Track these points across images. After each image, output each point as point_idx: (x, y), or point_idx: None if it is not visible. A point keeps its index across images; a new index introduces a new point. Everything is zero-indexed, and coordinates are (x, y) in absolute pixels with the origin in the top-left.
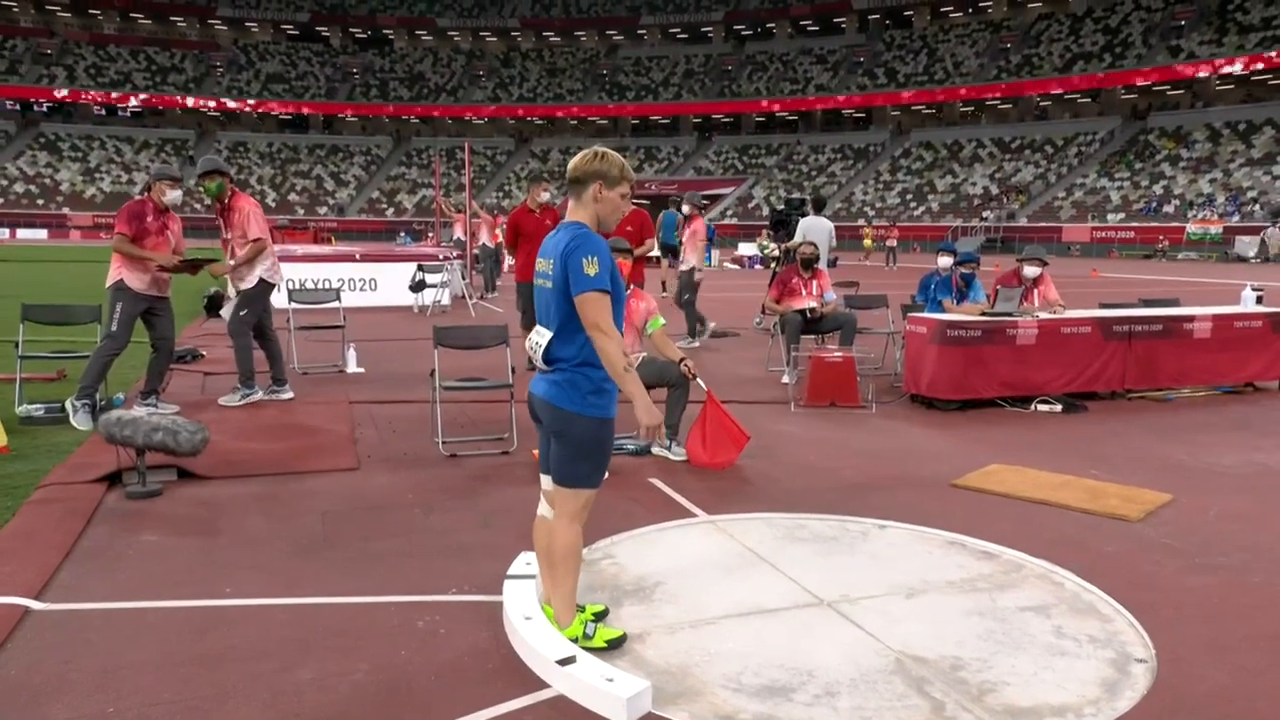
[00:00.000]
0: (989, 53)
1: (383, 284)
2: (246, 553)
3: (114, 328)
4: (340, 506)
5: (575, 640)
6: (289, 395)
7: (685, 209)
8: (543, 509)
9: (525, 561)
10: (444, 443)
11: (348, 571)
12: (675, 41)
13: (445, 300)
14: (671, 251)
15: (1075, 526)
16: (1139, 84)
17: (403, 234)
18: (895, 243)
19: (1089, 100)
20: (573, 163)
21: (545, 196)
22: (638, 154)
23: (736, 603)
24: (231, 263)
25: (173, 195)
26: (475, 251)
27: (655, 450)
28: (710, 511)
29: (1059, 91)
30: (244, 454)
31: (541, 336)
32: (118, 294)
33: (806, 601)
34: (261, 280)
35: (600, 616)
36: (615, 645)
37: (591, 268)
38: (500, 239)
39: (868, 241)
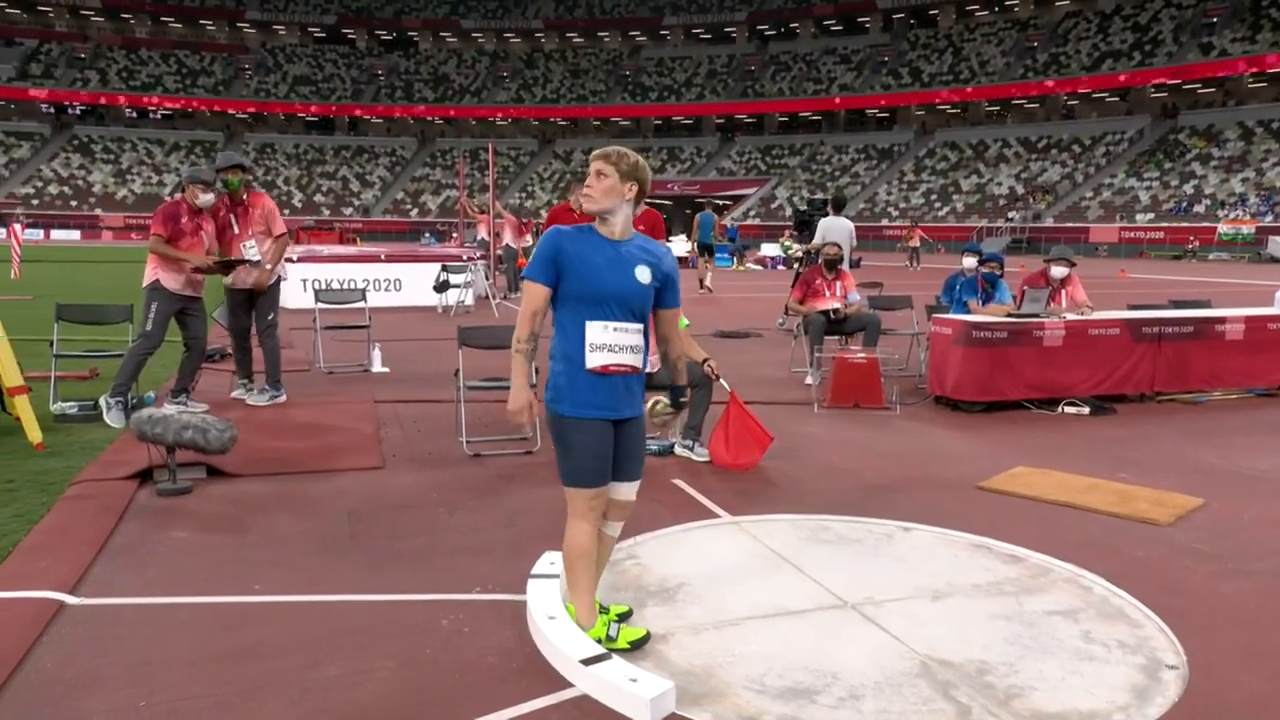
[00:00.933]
0: (1015, 51)
1: (407, 284)
2: (274, 550)
3: (148, 327)
4: (366, 505)
5: (599, 641)
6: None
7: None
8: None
9: (549, 561)
10: (468, 442)
11: (373, 569)
12: (698, 42)
13: (469, 301)
14: (708, 250)
15: (1104, 530)
16: (1169, 82)
17: (427, 234)
18: (919, 243)
19: (1117, 99)
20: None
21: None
22: (660, 154)
23: (760, 604)
24: (268, 267)
25: (205, 198)
26: (499, 252)
27: (678, 451)
28: (734, 513)
29: (1087, 90)
30: (271, 452)
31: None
32: (153, 294)
33: (830, 603)
34: (279, 278)
35: (624, 617)
36: (638, 646)
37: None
38: (524, 239)
39: (914, 243)
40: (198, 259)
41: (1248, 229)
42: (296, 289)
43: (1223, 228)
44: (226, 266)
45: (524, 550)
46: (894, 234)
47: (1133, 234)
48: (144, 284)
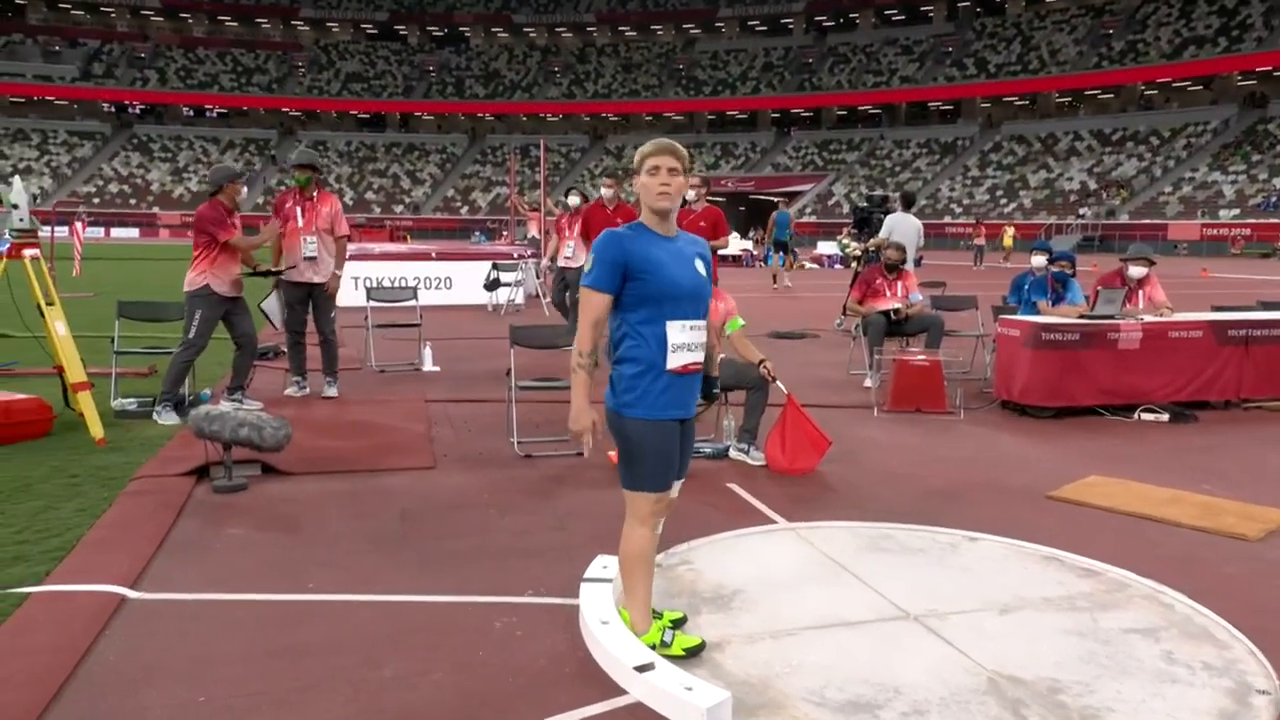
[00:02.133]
0: (1089, 39)
1: (457, 282)
2: (327, 549)
3: (191, 334)
4: (417, 505)
5: (653, 647)
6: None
7: (573, 200)
8: None
9: (602, 565)
10: (519, 443)
11: (425, 570)
12: (754, 34)
13: (519, 299)
14: (783, 247)
15: (1186, 544)
16: (1258, 69)
17: (477, 232)
18: (983, 241)
19: (1200, 88)
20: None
21: (608, 194)
22: (714, 150)
23: (818, 613)
24: (339, 272)
25: (244, 194)
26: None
27: (733, 454)
28: (790, 518)
29: (1167, 79)
30: (324, 451)
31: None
32: (199, 300)
33: (892, 615)
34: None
35: (678, 624)
36: (693, 653)
37: (589, 264)
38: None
39: (1008, 240)
40: (269, 233)
41: None
42: (348, 287)
43: None
44: (269, 274)
45: (575, 553)
46: (957, 232)
47: (1216, 231)
48: (187, 289)
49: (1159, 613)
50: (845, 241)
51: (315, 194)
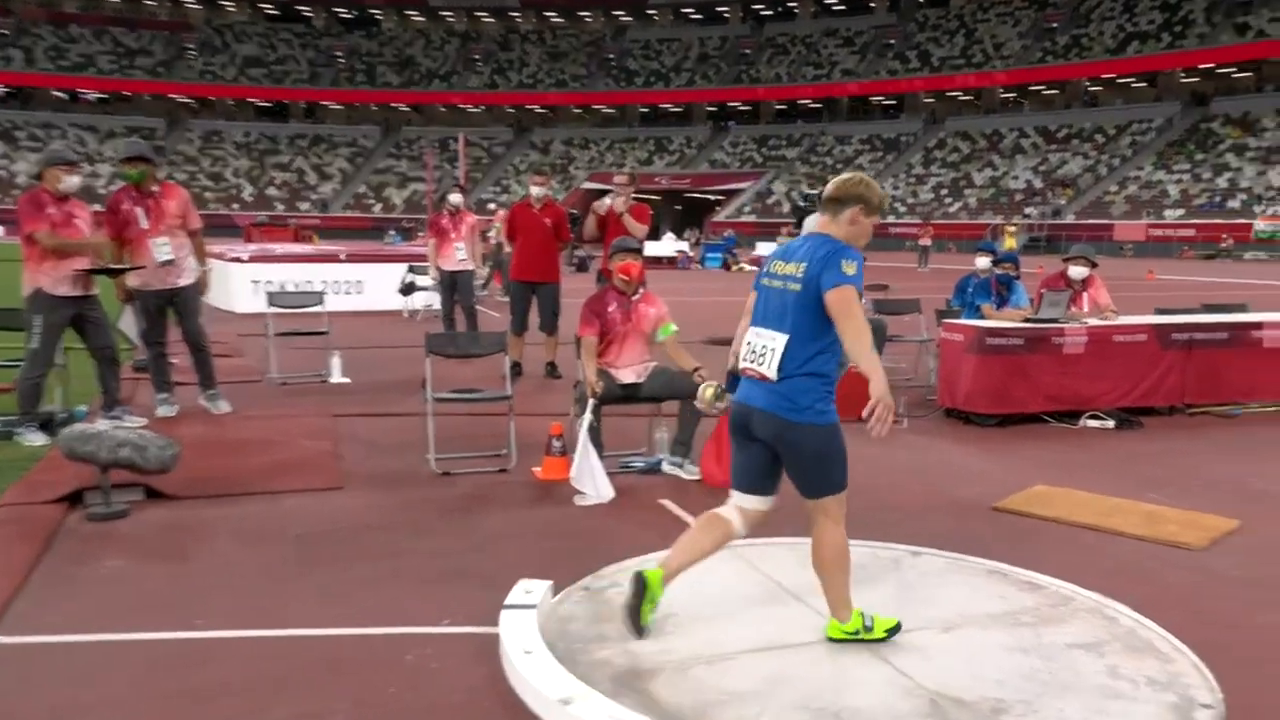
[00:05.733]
0: (1033, 33)
1: (370, 286)
2: (219, 580)
3: (35, 344)
4: (322, 529)
5: (856, 633)
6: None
7: (455, 199)
8: (729, 511)
9: (525, 590)
10: (436, 459)
11: (330, 600)
12: (688, 23)
13: (438, 304)
14: None
15: (1130, 555)
16: (1201, 66)
17: (392, 232)
18: (929, 242)
19: (1145, 85)
20: (836, 182)
21: (536, 191)
22: (647, 145)
23: (756, 636)
24: (207, 268)
25: (69, 181)
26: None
27: (666, 469)
28: None
29: (1111, 75)
30: (216, 472)
31: (774, 340)
32: (35, 304)
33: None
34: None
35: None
36: (893, 633)
37: (850, 268)
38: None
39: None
40: (96, 241)
41: None
42: (246, 291)
43: (1259, 224)
44: (114, 273)
45: (497, 578)
46: (901, 232)
47: (1161, 231)
48: (24, 295)
49: (1103, 626)
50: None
51: (156, 188)
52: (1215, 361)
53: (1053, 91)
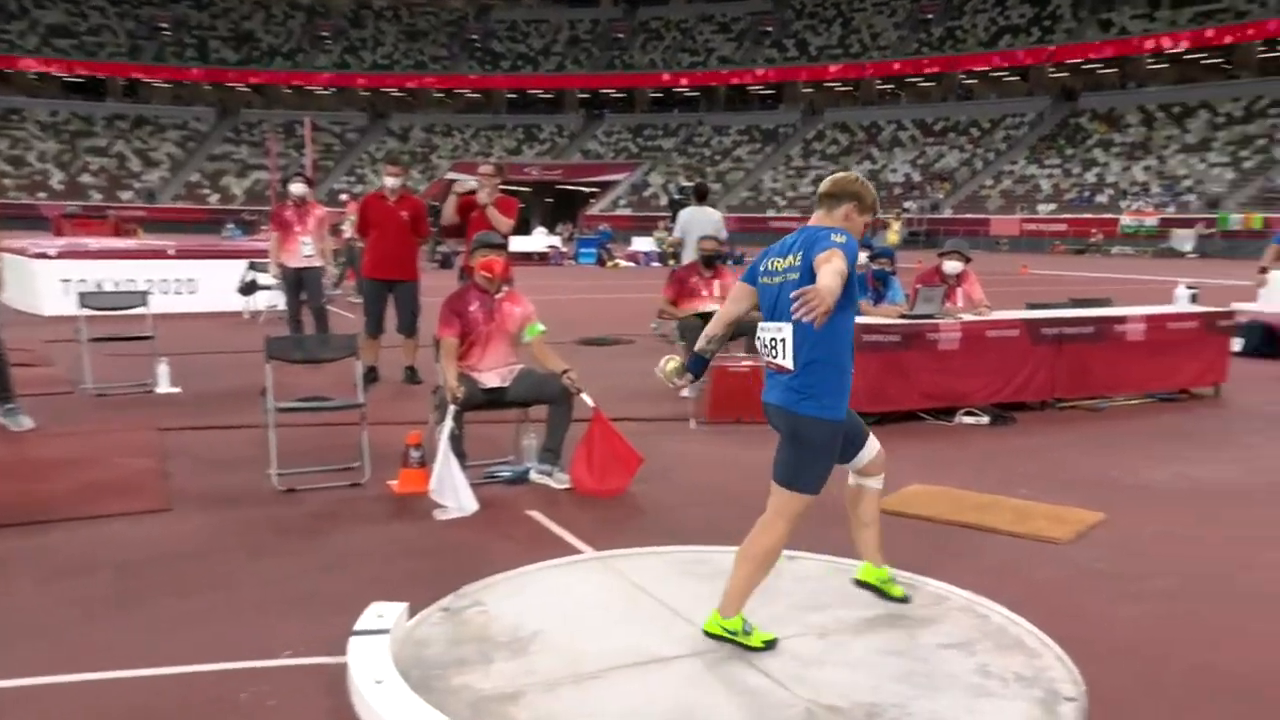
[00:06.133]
0: (909, 24)
1: (204, 285)
2: (23, 619)
3: None
4: (145, 557)
5: (734, 633)
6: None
7: (296, 189)
8: (853, 479)
9: (377, 614)
10: (279, 475)
11: (154, 636)
12: (557, 3)
13: (282, 305)
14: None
15: (1002, 551)
16: (1069, 61)
17: (230, 225)
18: None
19: (1017, 79)
20: (832, 179)
21: (391, 182)
22: (516, 133)
23: (626, 651)
24: None
25: None
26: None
27: (534, 477)
28: (597, 546)
29: (984, 69)
30: (16, 497)
31: (780, 331)
32: None
33: (707, 647)
34: None
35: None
36: (769, 647)
37: (840, 239)
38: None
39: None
40: None
41: (1150, 221)
42: (55, 292)
43: (1125, 219)
44: None
45: (346, 602)
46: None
47: (1035, 226)
48: None
49: (975, 624)
50: (662, 236)
51: None
52: (1083, 356)
53: (929, 84)
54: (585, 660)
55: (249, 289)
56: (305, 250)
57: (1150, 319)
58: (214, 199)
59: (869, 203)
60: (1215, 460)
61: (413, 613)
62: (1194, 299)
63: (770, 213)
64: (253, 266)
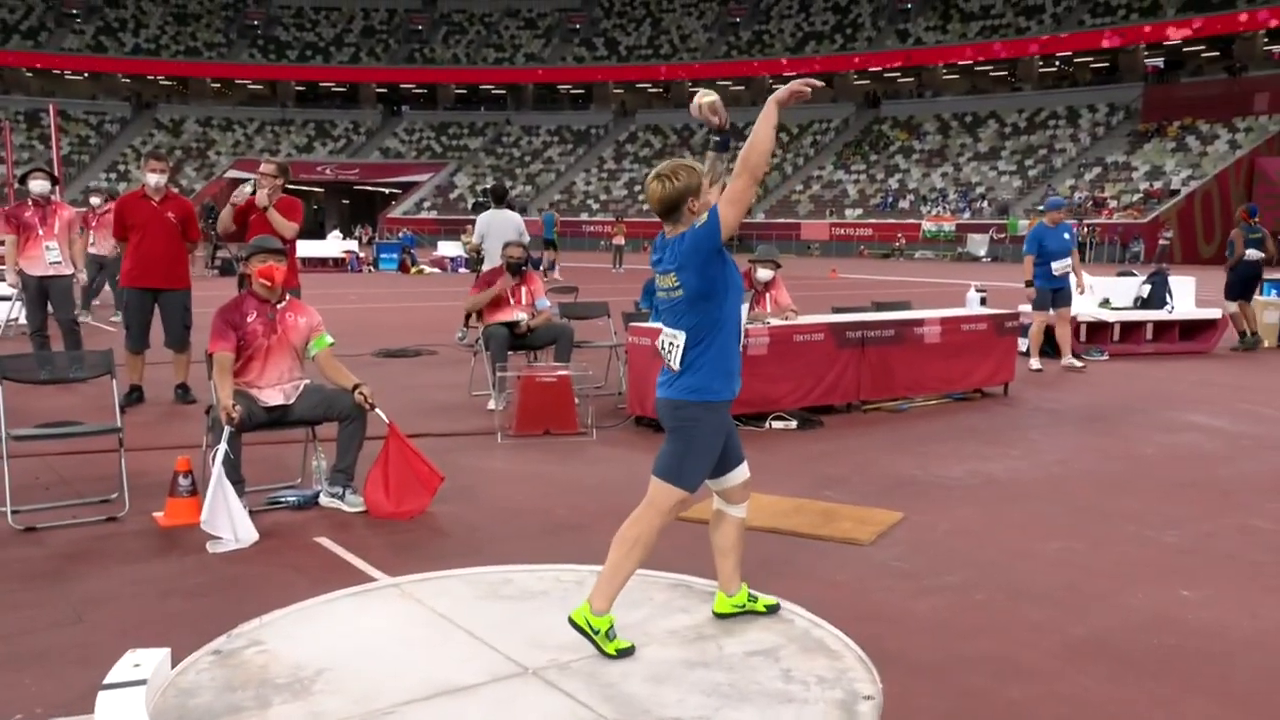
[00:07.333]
0: (717, 27)
1: None
2: None
3: None
4: None
5: (597, 632)
6: None
7: (38, 185)
8: (717, 503)
9: (133, 663)
10: (14, 513)
11: None
12: None
13: (24, 318)
14: (553, 245)
15: (807, 555)
16: (870, 69)
17: None
18: (623, 241)
19: (823, 84)
20: (651, 196)
21: (153, 180)
22: (306, 129)
23: (423, 683)
24: None
25: None
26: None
27: (325, 501)
28: (393, 573)
29: (791, 74)
30: None
31: (675, 338)
32: None
33: (509, 672)
34: None
35: (772, 609)
36: (624, 655)
37: (699, 228)
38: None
39: (620, 240)
40: None
41: (949, 226)
42: None
43: (926, 225)
44: None
45: (96, 654)
46: (595, 231)
47: (844, 230)
48: None
49: (781, 630)
50: (467, 239)
51: None
52: (885, 358)
53: (739, 88)
54: (378, 696)
55: None
56: (51, 256)
57: (945, 321)
58: None
59: (696, 183)
60: (1006, 456)
61: (177, 659)
62: (983, 301)
63: (584, 216)
64: None
